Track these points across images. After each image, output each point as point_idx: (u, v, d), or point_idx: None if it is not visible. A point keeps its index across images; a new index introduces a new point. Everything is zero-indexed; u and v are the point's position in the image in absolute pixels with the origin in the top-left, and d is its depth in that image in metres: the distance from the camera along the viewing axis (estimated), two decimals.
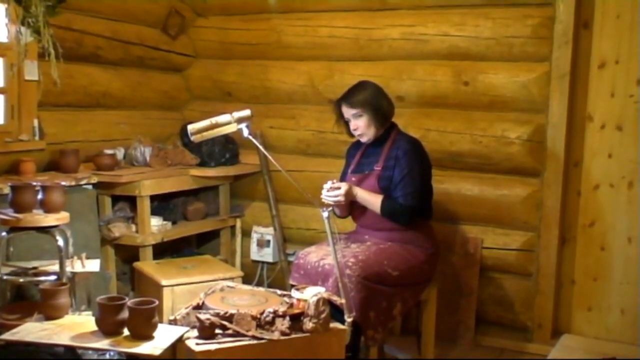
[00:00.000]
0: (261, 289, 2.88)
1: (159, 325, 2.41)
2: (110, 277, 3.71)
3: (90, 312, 2.90)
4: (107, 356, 2.41)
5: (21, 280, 2.86)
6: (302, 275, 3.01)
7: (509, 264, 3.71)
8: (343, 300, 2.63)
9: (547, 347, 3.36)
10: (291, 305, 2.58)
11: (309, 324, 2.46)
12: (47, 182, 2.97)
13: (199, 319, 2.41)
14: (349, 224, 3.37)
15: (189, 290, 3.41)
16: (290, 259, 4.19)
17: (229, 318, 2.43)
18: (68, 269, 2.85)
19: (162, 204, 4.03)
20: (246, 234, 4.45)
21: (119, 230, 3.70)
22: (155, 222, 3.84)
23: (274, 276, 4.37)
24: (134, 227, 3.78)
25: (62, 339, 2.35)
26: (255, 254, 4.38)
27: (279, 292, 2.82)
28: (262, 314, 2.47)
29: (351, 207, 3.20)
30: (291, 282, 3.05)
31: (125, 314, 2.38)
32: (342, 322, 2.61)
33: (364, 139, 3.17)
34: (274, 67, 4.23)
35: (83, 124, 3.82)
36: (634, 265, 3.49)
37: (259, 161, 4.30)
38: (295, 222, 4.30)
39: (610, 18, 3.43)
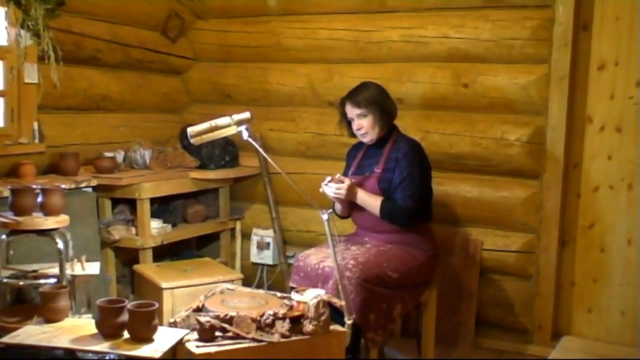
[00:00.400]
0: (261, 291, 2.88)
1: (159, 327, 2.41)
2: (110, 280, 3.71)
3: (90, 315, 2.90)
4: (107, 359, 2.41)
5: (21, 283, 2.86)
6: (302, 278, 3.01)
7: (509, 266, 3.71)
8: (343, 303, 2.63)
9: (547, 349, 3.36)
10: (291, 308, 2.58)
11: (308, 326, 2.46)
12: (47, 185, 2.97)
13: (199, 322, 2.41)
14: (348, 226, 3.38)
15: (189, 293, 3.40)
16: (290, 261, 4.19)
17: (229, 320, 2.43)
18: (68, 271, 2.85)
19: (162, 207, 4.03)
20: (246, 236, 4.45)
21: (118, 233, 3.70)
22: (155, 225, 3.84)
23: (274, 278, 4.37)
24: (133, 230, 3.78)
25: (62, 341, 2.35)
26: (255, 256, 4.38)
27: (278, 294, 2.82)
28: (262, 316, 2.47)
29: (351, 209, 3.19)
30: (291, 284, 3.05)
31: (125, 317, 2.38)
32: (342, 324, 2.62)
33: (366, 139, 3.16)
34: (274, 70, 4.24)
35: (83, 126, 3.82)
36: (634, 267, 3.49)
37: (258, 164, 4.30)
38: (295, 225, 4.30)
39: (609, 20, 3.44)
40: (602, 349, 2.83)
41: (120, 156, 3.95)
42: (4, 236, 2.78)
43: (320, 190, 3.04)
